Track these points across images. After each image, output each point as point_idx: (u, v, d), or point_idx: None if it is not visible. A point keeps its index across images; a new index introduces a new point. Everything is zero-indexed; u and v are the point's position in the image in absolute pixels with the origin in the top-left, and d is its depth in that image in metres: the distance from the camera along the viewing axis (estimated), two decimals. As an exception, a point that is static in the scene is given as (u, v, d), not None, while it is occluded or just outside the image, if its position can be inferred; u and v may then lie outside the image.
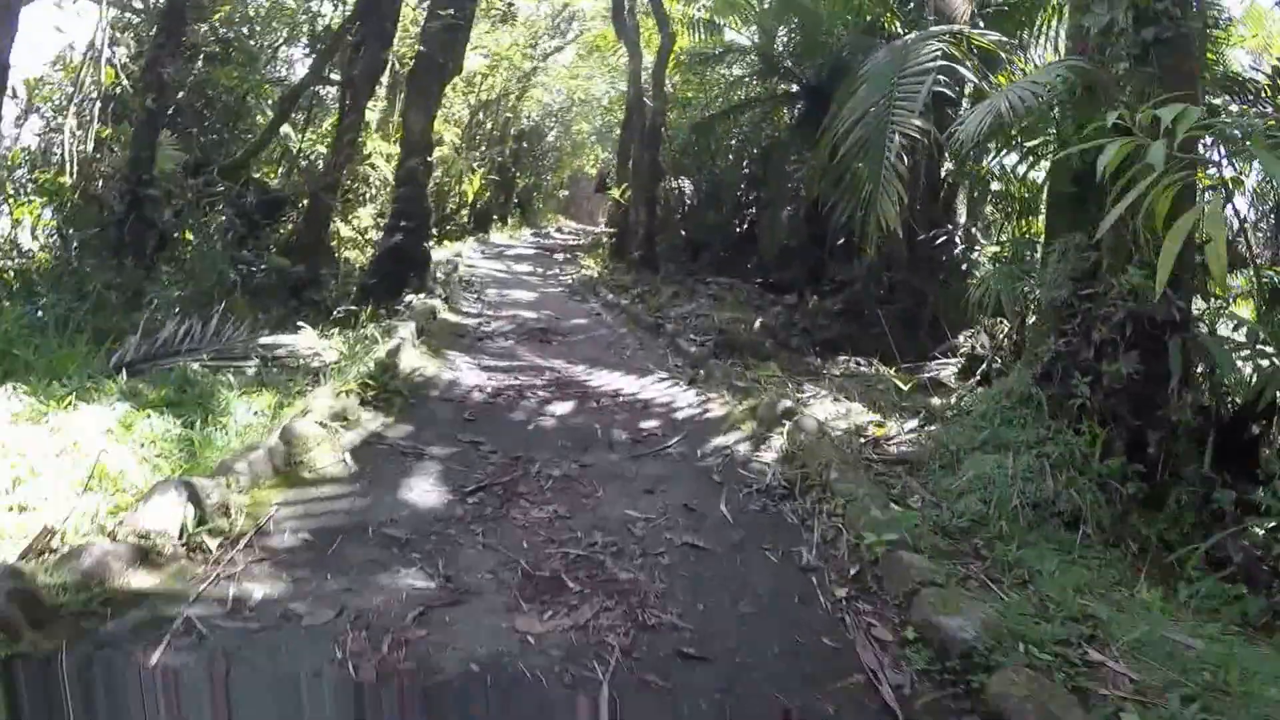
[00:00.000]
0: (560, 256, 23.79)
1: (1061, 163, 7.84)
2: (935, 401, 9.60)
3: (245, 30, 19.71)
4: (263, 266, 13.75)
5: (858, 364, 12.20)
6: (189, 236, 14.37)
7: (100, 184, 15.46)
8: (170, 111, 18.17)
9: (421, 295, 12.71)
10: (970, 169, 16.18)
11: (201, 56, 18.19)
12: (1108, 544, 5.61)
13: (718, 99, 21.05)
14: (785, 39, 19.09)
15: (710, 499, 6.16)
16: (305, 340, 10.47)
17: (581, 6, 28.55)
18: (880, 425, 8.49)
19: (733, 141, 21.74)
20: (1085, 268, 7.06)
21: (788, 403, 7.93)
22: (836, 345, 13.95)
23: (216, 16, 18.98)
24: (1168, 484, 6.05)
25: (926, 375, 11.70)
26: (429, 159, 14.06)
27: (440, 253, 19.76)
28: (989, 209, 17.63)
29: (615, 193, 20.45)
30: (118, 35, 17.91)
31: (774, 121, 21.00)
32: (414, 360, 9.33)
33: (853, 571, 4.98)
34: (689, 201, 23.03)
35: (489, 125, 29.06)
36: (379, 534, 5.12)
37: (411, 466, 6.39)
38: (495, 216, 30.18)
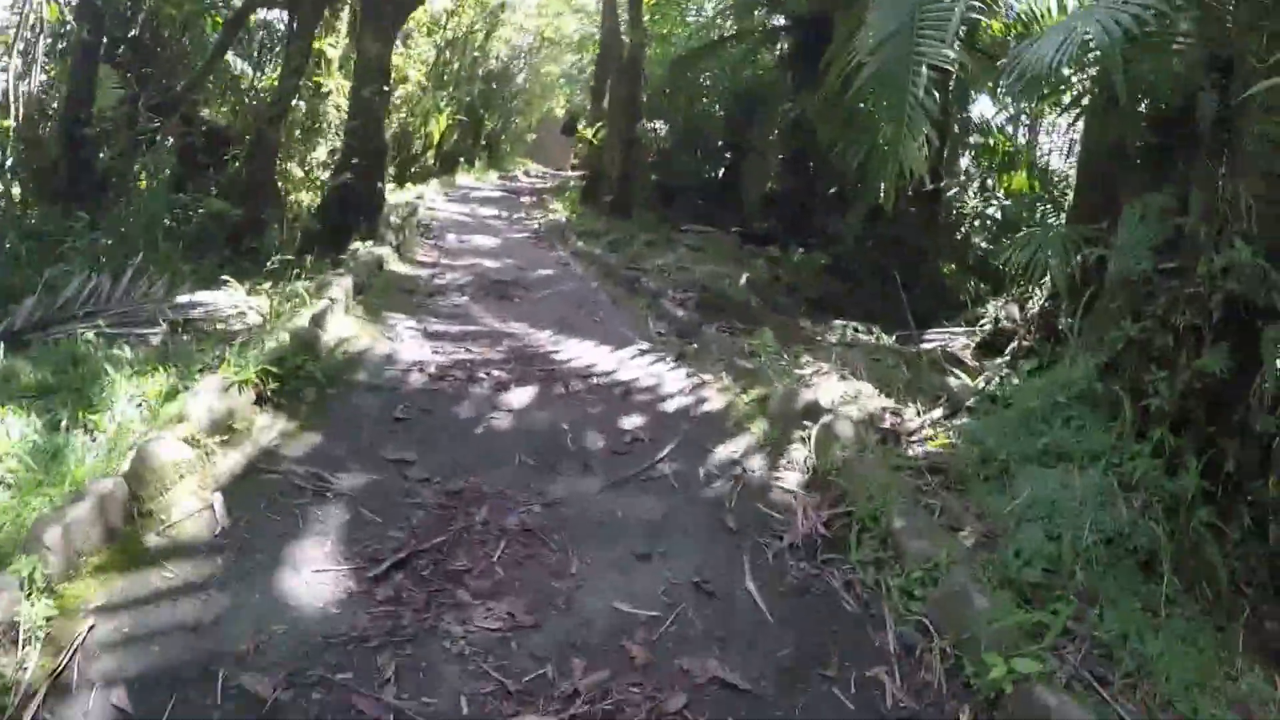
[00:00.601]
0: (527, 200, 21.53)
1: (1130, 110, 6.31)
2: (954, 382, 7.71)
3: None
4: (200, 210, 11.53)
5: (855, 331, 10.13)
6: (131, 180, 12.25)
7: (45, 126, 13.30)
8: (118, 47, 15.98)
9: (370, 243, 10.66)
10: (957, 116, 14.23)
11: None
12: (1186, 589, 4.17)
13: (699, 33, 18.71)
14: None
15: (729, 566, 4.30)
16: (229, 298, 8.58)
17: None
18: (896, 413, 6.48)
19: (709, 82, 19.47)
20: (1168, 236, 5.45)
21: (808, 395, 5.88)
22: (825, 305, 12.05)
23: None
24: (1237, 506, 4.55)
25: (935, 346, 9.73)
26: (385, 88, 11.87)
27: (402, 195, 17.62)
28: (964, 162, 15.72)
29: (587, 132, 18.20)
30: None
31: (757, 60, 18.79)
32: (344, 328, 7.31)
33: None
34: (664, 145, 20.76)
35: (456, 65, 26.51)
36: (232, 687, 3.14)
37: (305, 518, 4.37)
38: (462, 159, 27.77)
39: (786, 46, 16.52)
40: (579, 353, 7.63)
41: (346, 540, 4.12)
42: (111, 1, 12.70)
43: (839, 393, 7.00)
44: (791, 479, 5.08)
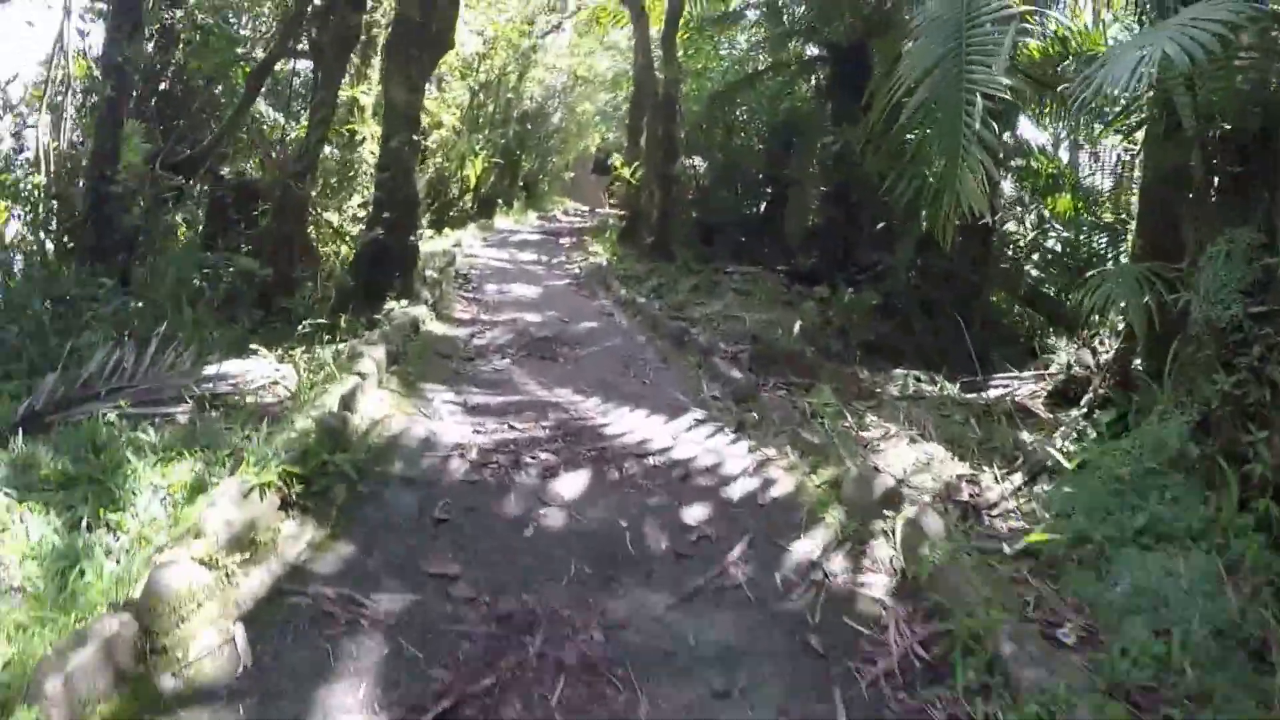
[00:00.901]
0: (566, 241, 21.03)
1: (1196, 134, 5.65)
2: (1028, 438, 7.08)
3: (228, 14, 17.15)
4: (230, 269, 11.12)
5: (917, 380, 9.49)
6: (158, 239, 11.89)
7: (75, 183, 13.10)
8: (152, 100, 15.73)
9: (405, 303, 10.10)
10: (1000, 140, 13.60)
11: (180, 43, 15.75)
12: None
13: (734, 68, 18.23)
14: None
15: (820, 700, 3.65)
16: (260, 367, 7.93)
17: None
18: (974, 480, 5.91)
19: (746, 116, 18.96)
20: (1257, 277, 4.89)
21: (886, 481, 5.23)
22: (879, 348, 11.47)
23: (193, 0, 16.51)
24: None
25: (1002, 393, 9.13)
26: (415, 138, 11.34)
27: (440, 242, 17.16)
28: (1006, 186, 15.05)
29: (625, 172, 17.73)
30: (88, 24, 15.57)
31: (794, 91, 18.26)
32: (376, 406, 6.76)
33: None
34: (702, 181, 20.24)
35: (490, 107, 26.18)
36: None
37: (336, 653, 3.73)
38: (500, 201, 27.37)
39: (824, 77, 16.00)
40: (631, 424, 6.99)
41: (383, 682, 3.50)
42: (138, 56, 12.35)
43: (910, 460, 6.44)
44: (878, 584, 4.44)
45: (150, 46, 15.98)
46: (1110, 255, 12.75)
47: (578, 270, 16.31)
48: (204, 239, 12.28)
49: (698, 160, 20.67)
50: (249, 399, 7.32)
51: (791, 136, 18.72)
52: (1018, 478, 6.17)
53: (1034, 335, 14.20)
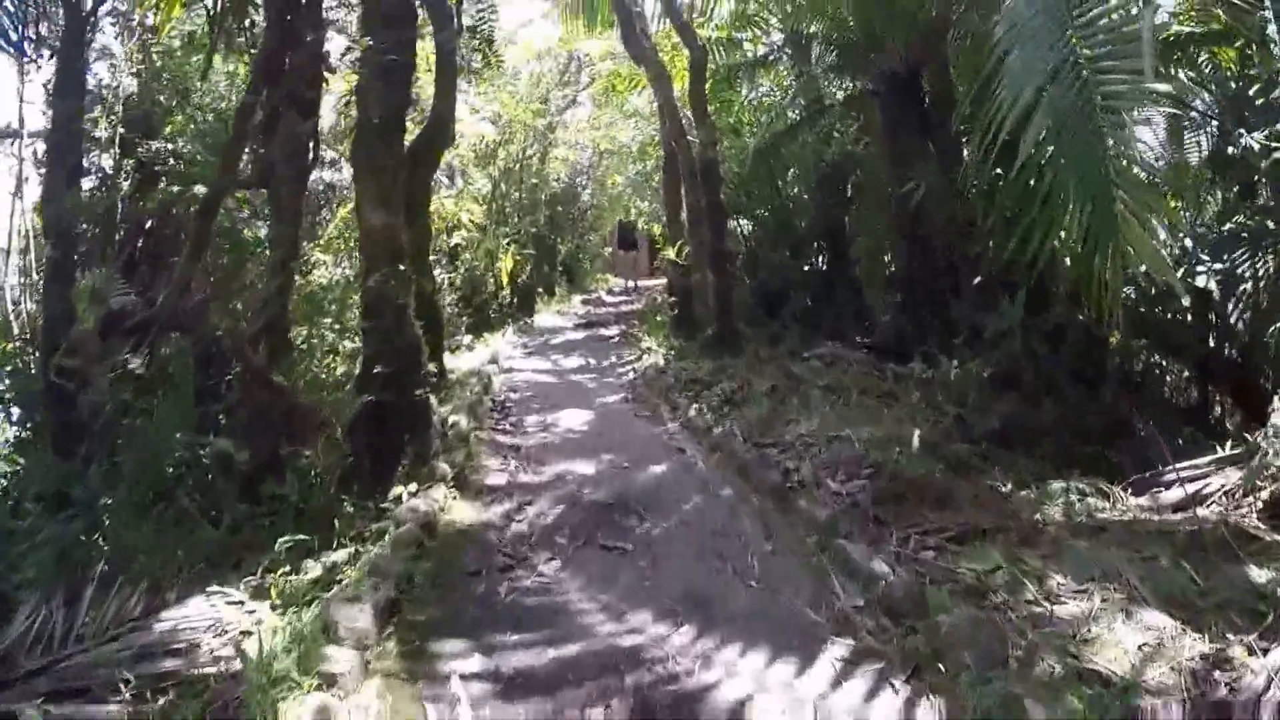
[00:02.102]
0: (615, 333, 18.39)
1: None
2: (1261, 577, 5.06)
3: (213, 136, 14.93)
4: (203, 455, 8.61)
5: (1084, 495, 6.83)
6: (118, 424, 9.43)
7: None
8: (137, 243, 13.37)
9: (413, 487, 7.45)
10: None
11: (163, 177, 13.49)
12: None
13: (775, 116, 15.59)
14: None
15: None
16: (225, 613, 5.34)
17: (583, 50, 23.10)
18: (1223, 660, 4.19)
19: (793, 166, 16.34)
20: None
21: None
22: (1005, 438, 9.04)
23: (169, 129, 14.28)
24: None
25: (1194, 497, 6.43)
26: (402, 268, 8.72)
27: (476, 354, 14.65)
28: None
29: (669, 251, 15.05)
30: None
31: (841, 134, 15.63)
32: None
33: None
34: (752, 244, 17.60)
35: (516, 195, 23.75)
36: None
37: None
38: (540, 290, 24.88)
39: (878, 112, 13.32)
40: (742, 684, 4.35)
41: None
42: (79, 206, 10.06)
43: (1133, 643, 3.92)
44: None
45: (128, 184, 14.00)
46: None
47: (632, 376, 13.62)
48: (182, 414, 9.77)
49: (744, 223, 18.11)
50: (203, 668, 4.84)
51: (843, 184, 16.16)
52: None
53: (1183, 390, 11.42)
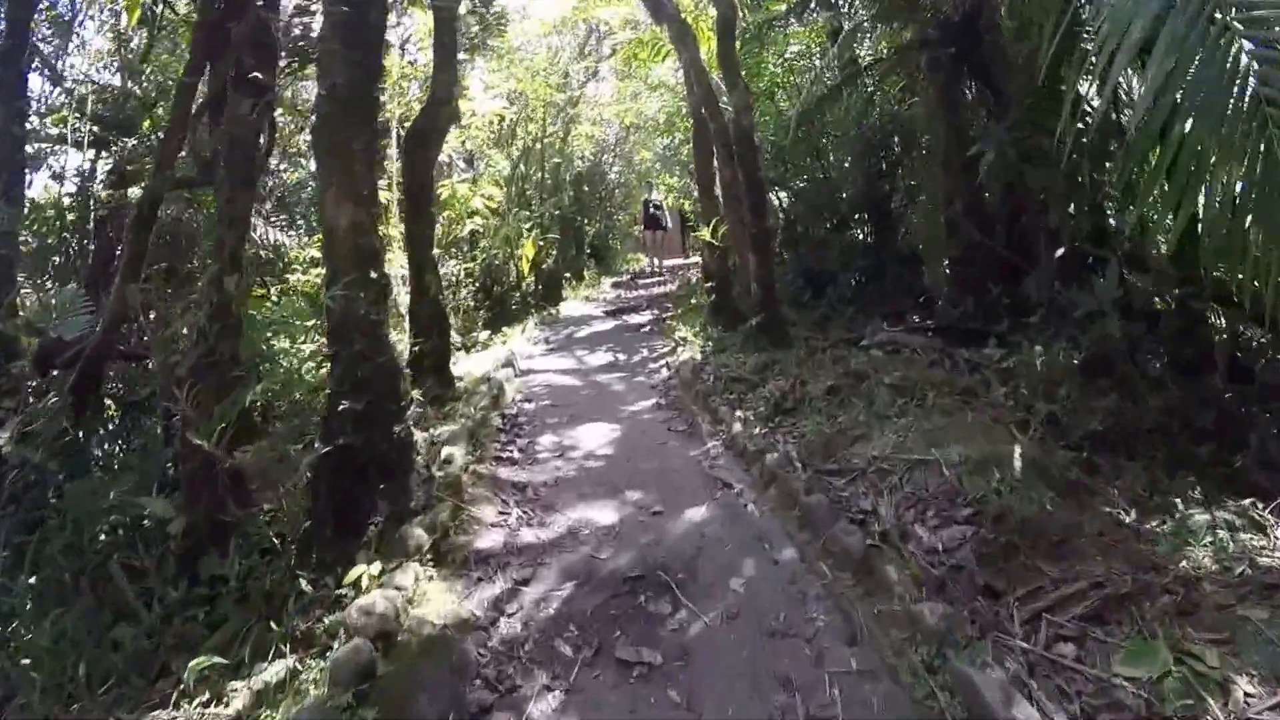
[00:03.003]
0: (646, 319, 16.39)
1: None
2: None
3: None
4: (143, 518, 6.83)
5: (1231, 527, 5.42)
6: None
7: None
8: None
9: (376, 566, 5.50)
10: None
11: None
12: None
13: (818, 75, 13.49)
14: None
15: None
16: None
17: (601, 20, 20.96)
18: None
19: (835, 130, 14.30)
20: None
21: None
22: (1109, 440, 7.24)
23: (147, 125, 12.68)
24: None
25: None
26: (375, 275, 6.80)
27: (491, 355, 12.82)
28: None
29: (704, 232, 13.00)
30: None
31: (885, 94, 13.58)
32: None
33: None
34: (794, 220, 15.54)
35: (538, 175, 21.76)
36: None
37: None
38: (568, 274, 22.91)
39: (927, 67, 11.22)
40: None
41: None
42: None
43: None
44: None
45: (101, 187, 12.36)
46: None
47: (665, 372, 11.66)
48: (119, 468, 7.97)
49: (782, 196, 16.05)
50: None
51: (888, 149, 14.11)
52: None
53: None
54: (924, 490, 6.19)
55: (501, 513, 6.84)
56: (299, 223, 17.06)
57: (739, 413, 8.82)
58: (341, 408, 6.42)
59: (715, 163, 12.90)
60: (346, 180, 6.79)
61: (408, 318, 11.61)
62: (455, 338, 15.51)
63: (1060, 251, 10.06)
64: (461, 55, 18.58)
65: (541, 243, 20.54)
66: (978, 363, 9.57)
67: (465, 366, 12.41)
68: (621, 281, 24.27)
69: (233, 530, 6.45)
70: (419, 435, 7.66)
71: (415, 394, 8.75)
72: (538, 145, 21.42)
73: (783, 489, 6.50)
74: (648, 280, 23.66)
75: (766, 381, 9.59)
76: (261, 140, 7.54)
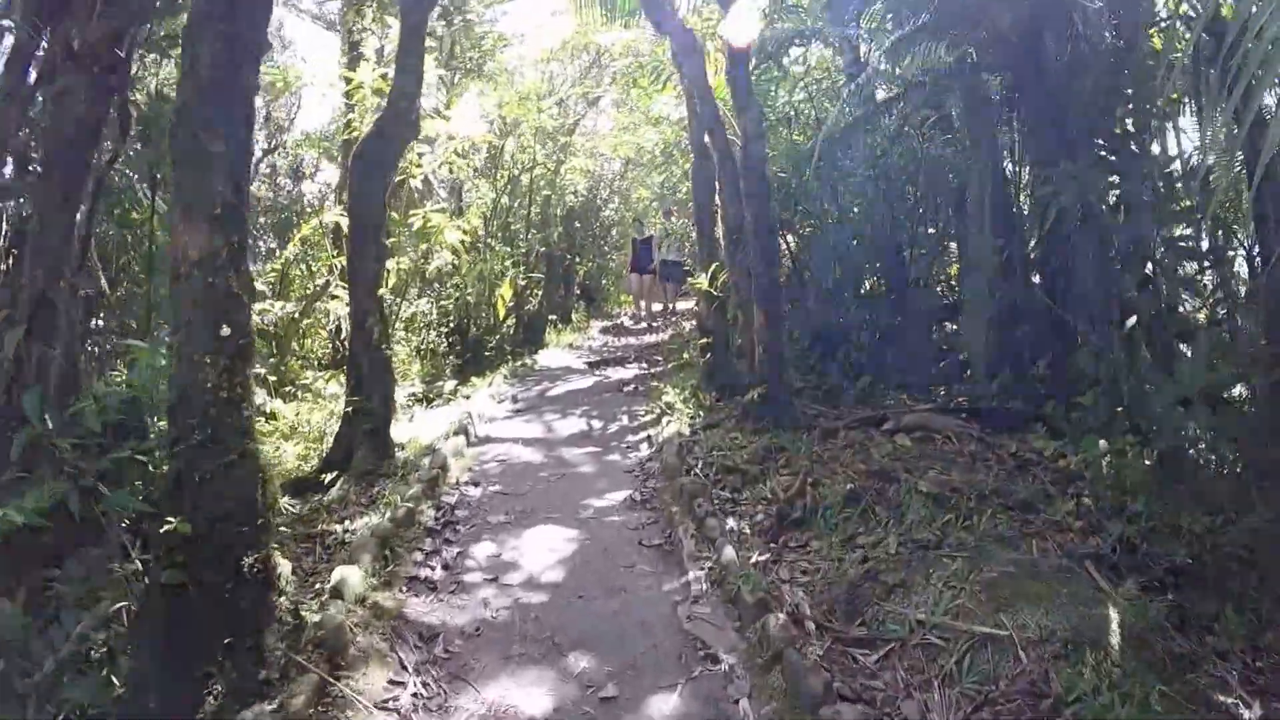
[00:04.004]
0: (632, 375, 14.31)
1: None
2: None
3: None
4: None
5: None
6: None
7: None
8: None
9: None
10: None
11: None
12: None
13: (841, 102, 11.49)
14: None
15: None
16: None
17: (602, 44, 19.00)
18: None
19: (858, 165, 12.40)
20: None
21: None
22: (1192, 576, 5.62)
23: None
24: None
25: None
26: (229, 331, 4.73)
27: (441, 418, 10.83)
28: None
29: (701, 279, 11.00)
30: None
31: (913, 126, 11.73)
32: None
33: None
34: (802, 268, 13.57)
35: (524, 209, 19.75)
36: None
37: None
38: (553, 317, 20.86)
39: (995, 84, 9.34)
40: None
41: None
42: None
43: None
44: None
45: None
46: None
47: (646, 449, 9.61)
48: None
49: (789, 240, 14.05)
50: None
51: (914, 189, 12.22)
52: None
53: None
54: (994, 685, 4.18)
55: (392, 683, 4.77)
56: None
57: (731, 523, 6.80)
58: (167, 528, 4.39)
59: (717, 198, 10.88)
60: (201, 195, 4.78)
61: (347, 369, 9.70)
62: (419, 387, 13.55)
63: (1131, 321, 8.13)
64: (442, 72, 16.77)
65: (524, 282, 18.57)
66: (1027, 459, 7.64)
67: (415, 428, 10.42)
68: (611, 326, 22.06)
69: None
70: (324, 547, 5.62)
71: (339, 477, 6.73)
72: (526, 176, 19.45)
73: (791, 676, 4.42)
74: (640, 325, 21.48)
75: (768, 475, 7.58)
76: (106, 134, 5.58)
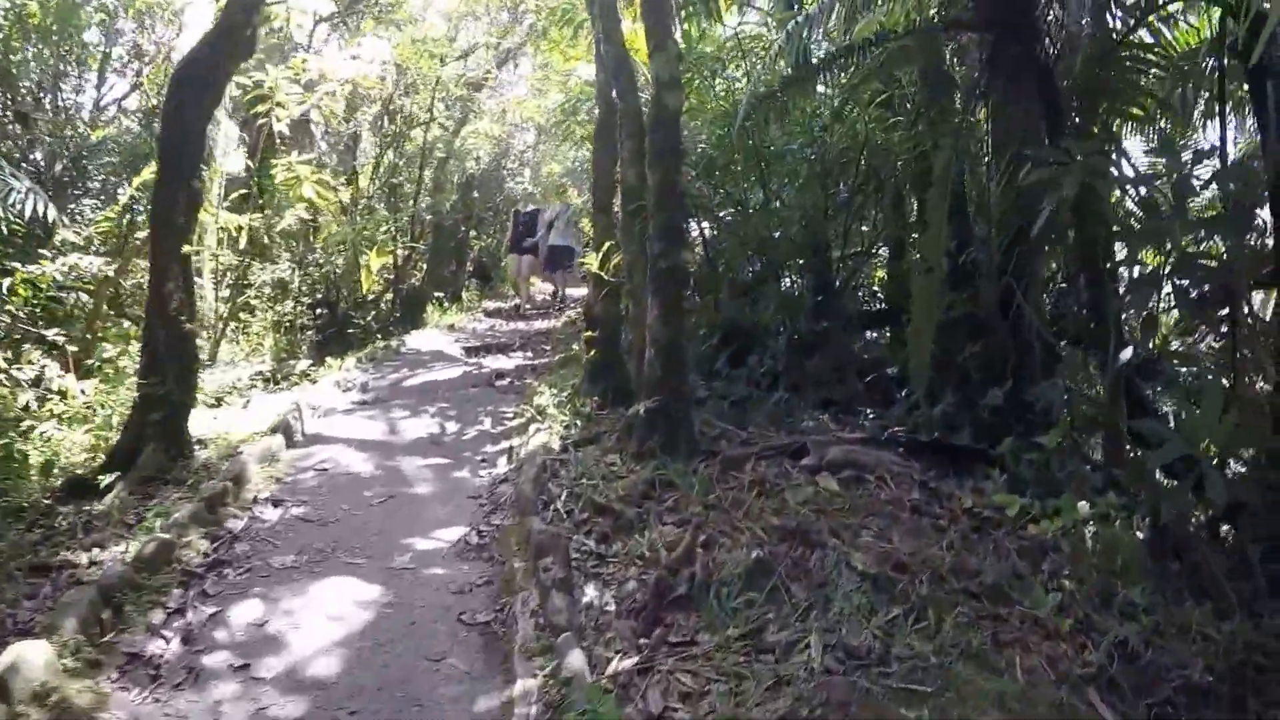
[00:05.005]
0: (512, 365, 12.20)
1: None
2: None
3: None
4: None
5: None
6: None
7: None
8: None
9: None
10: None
11: None
12: None
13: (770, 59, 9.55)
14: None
15: None
16: None
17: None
18: None
19: (791, 139, 10.63)
20: None
21: None
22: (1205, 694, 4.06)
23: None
24: None
25: None
26: None
27: (271, 409, 8.74)
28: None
29: (592, 260, 8.91)
30: None
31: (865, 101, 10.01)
32: None
33: None
34: (716, 259, 11.71)
35: (418, 171, 17.47)
36: None
37: None
38: (440, 294, 18.61)
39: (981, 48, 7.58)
40: None
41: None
42: None
43: None
44: None
45: None
46: None
47: (502, 470, 7.55)
48: None
49: (704, 227, 12.16)
50: None
51: (849, 176, 10.55)
52: None
53: None
54: None
55: None
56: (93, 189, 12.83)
57: (592, 593, 4.87)
58: None
59: (619, 162, 8.79)
60: None
61: (141, 343, 7.63)
62: (270, 365, 11.47)
63: (1128, 354, 6.42)
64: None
65: (406, 253, 16.39)
66: (984, 517, 5.87)
67: (239, 418, 8.41)
68: (503, 309, 19.46)
69: None
70: None
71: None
72: (420, 133, 17.17)
73: None
74: (536, 309, 19.01)
75: (649, 521, 5.64)
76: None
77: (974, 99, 8.06)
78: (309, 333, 13.48)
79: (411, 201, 17.14)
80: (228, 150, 11.56)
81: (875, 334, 11.82)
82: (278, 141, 13.30)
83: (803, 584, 4.74)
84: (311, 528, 6.21)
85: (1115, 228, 6.84)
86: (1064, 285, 10.27)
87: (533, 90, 20.96)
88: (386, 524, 6.29)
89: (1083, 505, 5.58)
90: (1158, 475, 6.04)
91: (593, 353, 9.10)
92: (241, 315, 13.08)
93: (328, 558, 5.69)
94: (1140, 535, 5.44)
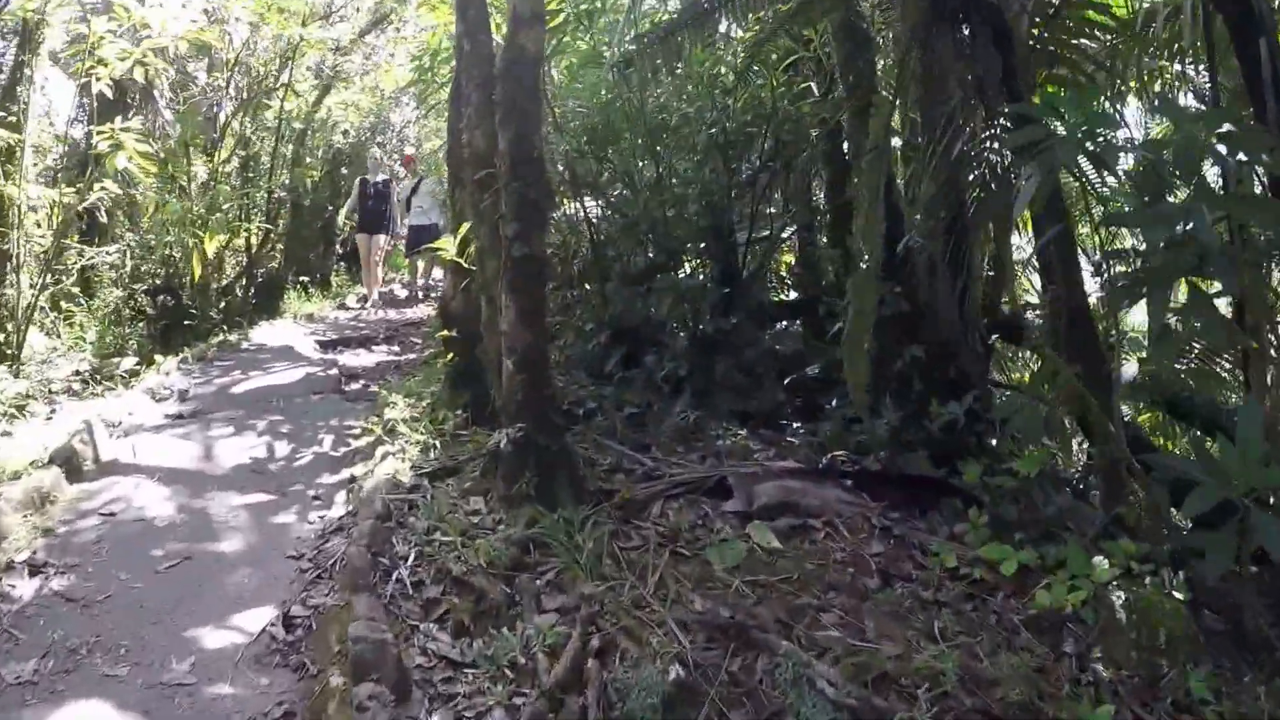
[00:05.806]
0: (372, 365, 10.38)
1: None
2: None
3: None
4: None
5: None
6: None
7: None
8: None
9: None
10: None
11: None
12: None
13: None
14: None
15: None
16: None
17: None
18: None
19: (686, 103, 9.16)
20: None
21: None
22: None
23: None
24: None
25: None
26: None
27: (63, 427, 6.79)
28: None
29: (447, 244, 7.08)
30: None
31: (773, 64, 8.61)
32: None
33: None
34: (598, 238, 10.09)
35: (275, 144, 15.34)
36: None
37: None
38: (305, 279, 16.55)
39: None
40: None
41: None
42: None
43: None
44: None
45: None
46: None
47: (339, 513, 5.80)
48: None
49: (591, 205, 10.52)
50: None
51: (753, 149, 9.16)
52: None
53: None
54: None
55: None
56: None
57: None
58: None
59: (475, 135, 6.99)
60: None
61: None
62: (90, 364, 9.65)
63: (1132, 370, 5.07)
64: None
65: (260, 235, 14.39)
66: (971, 578, 4.50)
67: (30, 435, 6.56)
68: (385, 294, 17.20)
69: None
70: None
71: None
72: (275, 100, 15.09)
73: None
74: (401, 303, 16.66)
75: (521, 604, 4.03)
76: None
77: (909, 52, 6.58)
78: (142, 325, 11.48)
79: (267, 177, 15.08)
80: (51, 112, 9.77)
81: (786, 323, 10.37)
82: (124, 107, 11.28)
83: (746, 718, 3.20)
84: (71, 611, 4.46)
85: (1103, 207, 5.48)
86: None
87: (410, 57, 18.88)
88: (171, 604, 4.57)
89: (1099, 561, 4.27)
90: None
91: (451, 356, 7.38)
92: (62, 305, 11.12)
93: (79, 665, 3.99)
94: (1178, 596, 4.14)
